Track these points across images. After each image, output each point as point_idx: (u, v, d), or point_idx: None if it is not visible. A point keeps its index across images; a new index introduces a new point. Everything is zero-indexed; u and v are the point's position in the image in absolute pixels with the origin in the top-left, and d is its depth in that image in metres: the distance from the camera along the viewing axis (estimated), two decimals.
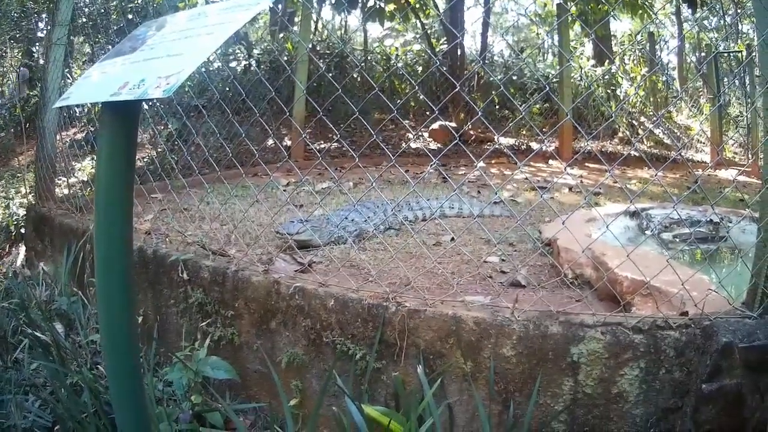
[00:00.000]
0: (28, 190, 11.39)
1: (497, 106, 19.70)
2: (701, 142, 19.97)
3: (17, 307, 6.48)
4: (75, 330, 6.16)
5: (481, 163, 13.81)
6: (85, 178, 11.76)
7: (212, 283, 5.34)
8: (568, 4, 12.93)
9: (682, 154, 18.59)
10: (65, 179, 9.97)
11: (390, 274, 5.37)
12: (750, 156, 17.00)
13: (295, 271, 5.33)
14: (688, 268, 4.67)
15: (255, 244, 6.32)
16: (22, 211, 10.98)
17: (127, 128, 3.14)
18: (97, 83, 3.31)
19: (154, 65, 3.05)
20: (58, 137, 9.37)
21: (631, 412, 3.88)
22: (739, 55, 20.28)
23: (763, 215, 4.04)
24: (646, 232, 6.88)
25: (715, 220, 6.88)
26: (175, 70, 2.86)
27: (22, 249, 9.86)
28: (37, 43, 22.73)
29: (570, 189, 10.79)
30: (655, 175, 11.39)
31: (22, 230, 10.24)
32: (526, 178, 11.75)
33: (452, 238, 6.65)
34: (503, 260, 5.91)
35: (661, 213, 7.12)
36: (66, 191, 9.54)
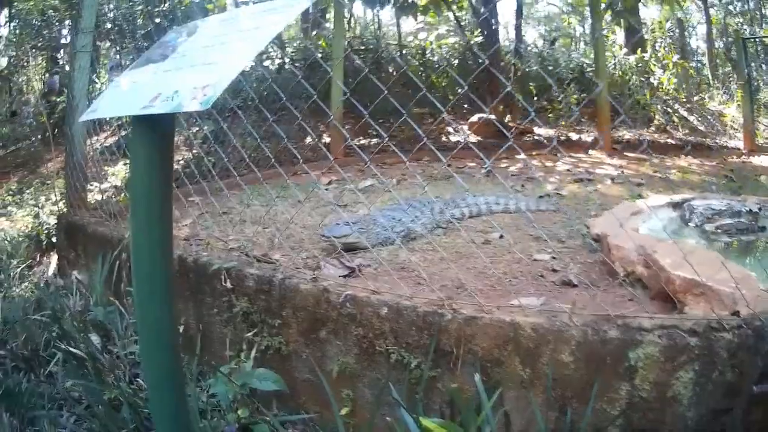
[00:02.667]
0: (58, 198, 11.39)
1: (535, 98, 19.62)
2: (734, 129, 19.85)
3: (50, 318, 6.44)
4: (112, 341, 6.10)
5: (523, 155, 13.76)
6: (118, 183, 11.78)
7: (258, 292, 5.26)
8: None
9: (717, 140, 18.54)
10: (97, 185, 10.00)
11: (441, 276, 5.30)
12: None
13: (344, 276, 5.27)
14: (739, 267, 4.58)
15: (300, 248, 6.29)
16: (52, 219, 10.94)
17: (162, 141, 3.07)
18: (127, 94, 3.22)
19: (188, 74, 2.97)
20: (88, 142, 9.36)
21: (684, 415, 3.83)
22: (766, 39, 19.99)
23: None
24: (689, 224, 6.78)
25: (753, 210, 6.75)
26: (211, 80, 2.76)
27: (54, 258, 9.82)
28: (62, 50, 22.85)
29: (612, 180, 10.66)
30: (688, 164, 11.24)
31: (53, 239, 10.21)
32: (568, 170, 11.71)
33: (501, 236, 6.61)
34: (554, 258, 5.84)
35: (703, 204, 6.95)
36: (98, 197, 9.58)
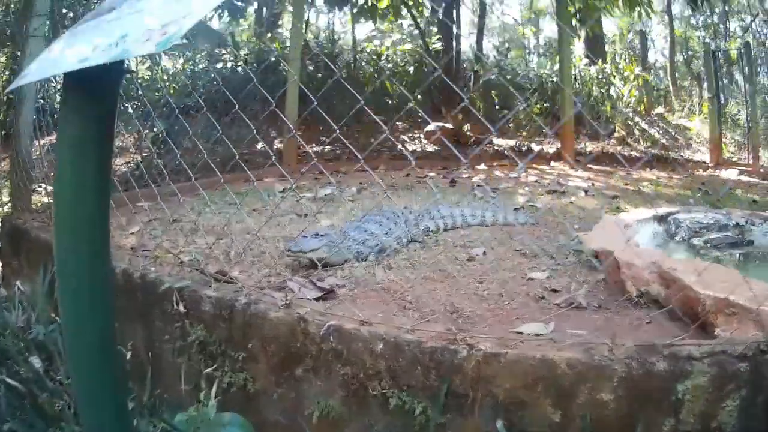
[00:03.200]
0: (6, 200, 10.82)
1: (497, 107, 19.64)
2: (698, 142, 20.19)
3: None
4: (54, 364, 5.40)
5: (483, 166, 13.64)
6: None
7: (216, 318, 4.57)
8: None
9: (681, 154, 18.88)
10: (45, 186, 9.31)
11: (429, 298, 4.75)
12: (750, 155, 17.81)
13: (317, 298, 4.62)
14: (763, 282, 4.18)
15: (260, 262, 5.77)
16: None
17: (101, 109, 2.39)
18: (63, 53, 2.48)
19: (142, 18, 2.30)
20: (36, 143, 8.86)
21: None
22: (733, 53, 20.67)
23: None
24: (675, 238, 6.72)
25: (739, 223, 6.76)
26: (172, 18, 2.16)
27: None
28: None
29: (585, 192, 10.51)
30: (656, 177, 11.36)
31: None
32: (536, 181, 11.67)
33: (484, 252, 6.19)
34: (549, 276, 5.38)
35: (688, 217, 6.90)
36: (46, 199, 8.96)
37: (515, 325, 4.13)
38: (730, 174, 14.69)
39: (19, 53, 22.04)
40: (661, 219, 6.95)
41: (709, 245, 6.48)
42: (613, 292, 4.91)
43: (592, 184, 11.57)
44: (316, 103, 4.70)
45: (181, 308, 4.70)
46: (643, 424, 3.46)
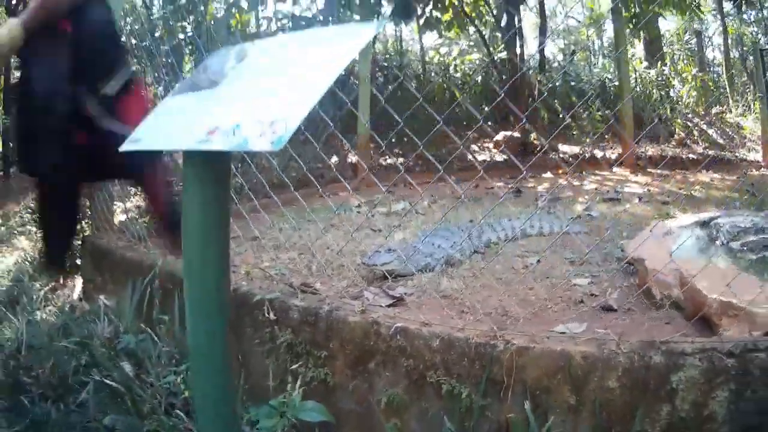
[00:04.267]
0: (80, 218, 11.44)
1: (559, 115, 19.69)
2: (752, 141, 19.88)
3: (78, 344, 6.38)
4: (144, 370, 5.94)
5: (549, 174, 13.77)
6: (141, 202, 11.82)
7: (302, 323, 5.30)
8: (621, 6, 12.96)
9: (736, 154, 18.55)
10: (121, 205, 9.91)
11: (484, 303, 5.36)
12: None
13: (389, 305, 5.33)
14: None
15: (340, 275, 6.34)
16: (76, 240, 10.98)
17: (220, 177, 2.93)
18: (175, 124, 3.03)
19: (248, 106, 2.72)
20: None
21: (719, 431, 3.98)
22: None
23: None
24: (716, 242, 6.56)
25: None
26: (279, 114, 2.49)
27: (78, 281, 9.72)
28: None
29: (639, 199, 10.78)
30: (710, 179, 11.30)
31: (77, 261, 10.04)
32: (596, 189, 11.91)
33: (538, 261, 6.68)
34: (591, 282, 5.94)
35: (728, 221, 6.81)
36: (122, 217, 9.57)
37: (553, 325, 4.65)
38: None
39: None
40: (703, 224, 6.84)
41: (745, 248, 6.38)
42: (642, 297, 5.33)
43: (648, 190, 11.80)
44: (402, 124, 5.18)
45: (272, 316, 5.42)
46: (643, 408, 4.01)
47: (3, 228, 13.94)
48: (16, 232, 13.78)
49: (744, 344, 3.98)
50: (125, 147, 3.07)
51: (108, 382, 5.57)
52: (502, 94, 5.67)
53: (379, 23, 3.26)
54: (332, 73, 2.62)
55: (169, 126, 3.07)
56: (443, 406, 4.58)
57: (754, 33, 25.97)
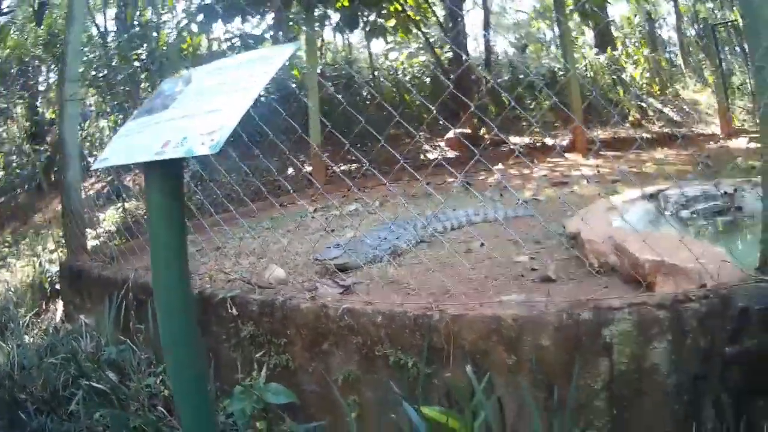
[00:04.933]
0: (55, 246, 11.61)
1: (508, 107, 19.83)
2: (709, 115, 20.06)
3: (65, 360, 6.68)
4: (127, 377, 6.30)
5: (500, 166, 13.92)
6: (112, 228, 12.05)
7: (261, 315, 5.57)
8: None
9: (693, 129, 18.74)
10: (92, 230, 10.21)
11: (429, 284, 5.58)
12: (757, 123, 17.19)
13: (339, 293, 5.55)
14: (704, 244, 4.97)
15: (296, 273, 6.59)
16: (53, 267, 11.16)
17: (175, 184, 3.31)
18: (136, 142, 3.44)
19: (193, 122, 3.19)
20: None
21: (664, 383, 4.10)
22: (735, 23, 20.25)
23: (765, 185, 4.32)
24: (665, 213, 7.04)
25: (728, 191, 7.00)
26: (215, 126, 3.00)
27: (60, 304, 10.03)
28: (39, 98, 23.01)
29: (588, 181, 10.91)
30: (664, 155, 11.45)
31: (57, 286, 10.47)
32: (545, 175, 12.02)
33: (482, 244, 6.85)
34: (532, 258, 6.11)
35: (676, 192, 7.23)
36: (93, 242, 9.84)
37: (494, 299, 4.79)
38: (739, 143, 14.71)
39: (36, 104, 22.89)
40: (651, 196, 7.27)
41: (695, 216, 6.94)
42: (582, 267, 5.50)
43: (598, 171, 11.93)
44: (347, 141, 5.34)
45: (234, 311, 5.71)
46: (579, 363, 4.20)
47: None
48: None
49: (674, 296, 4.14)
50: (96, 165, 3.65)
51: (95, 385, 5.97)
52: (451, 87, 5.74)
53: (296, 44, 3.64)
54: (257, 88, 3.21)
55: (130, 144, 3.52)
56: (393, 376, 4.81)
57: (709, 9, 26.08)
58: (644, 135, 17.89)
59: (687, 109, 21.24)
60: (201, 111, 3.28)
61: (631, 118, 20.19)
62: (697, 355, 4.06)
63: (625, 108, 20.48)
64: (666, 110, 21.00)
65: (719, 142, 15.94)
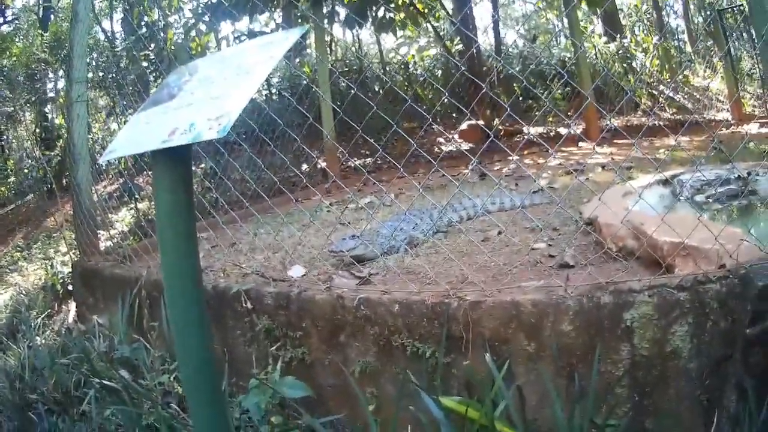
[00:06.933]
0: (67, 248, 11.60)
1: (520, 98, 19.76)
2: (720, 101, 19.95)
3: (77, 361, 6.66)
4: (140, 375, 6.28)
5: (515, 156, 13.82)
6: (125, 229, 12.02)
7: (277, 308, 5.52)
8: None
9: (705, 115, 18.61)
10: (105, 232, 10.08)
11: (446, 273, 5.54)
12: (767, 107, 17.36)
13: (356, 284, 5.48)
14: (721, 225, 4.88)
15: (311, 266, 6.50)
16: (65, 269, 11.23)
17: (184, 172, 3.22)
18: (143, 132, 3.36)
19: (200, 109, 3.11)
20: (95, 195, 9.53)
21: (686, 367, 4.05)
22: (742, 8, 20.12)
23: None
24: (680, 197, 6.99)
25: (742, 175, 6.95)
26: (223, 110, 2.92)
27: (72, 305, 10.04)
28: (49, 104, 23.01)
29: (603, 168, 10.85)
30: (677, 141, 11.33)
31: (69, 287, 10.51)
32: (560, 164, 11.88)
33: (499, 232, 6.81)
34: (550, 245, 6.07)
35: (690, 176, 7.16)
36: (107, 244, 9.69)
37: (512, 285, 4.75)
38: (751, 128, 14.57)
39: (45, 110, 22.86)
40: (665, 182, 7.28)
41: (710, 200, 6.83)
42: (600, 252, 5.37)
43: (612, 159, 11.78)
44: (360, 131, 5.39)
45: (249, 305, 5.68)
46: (600, 348, 4.16)
47: None
48: (7, 270, 14.10)
49: (694, 277, 4.09)
50: (104, 158, 3.55)
51: (107, 383, 5.91)
52: (463, 69, 5.70)
53: (301, 28, 3.54)
54: (264, 72, 3.12)
55: (137, 135, 3.42)
56: (411, 366, 4.77)
57: None
58: (658, 123, 17.75)
59: (698, 96, 21.11)
60: (207, 97, 3.21)
61: (642, 106, 20.07)
62: (718, 338, 4.00)
63: (636, 96, 20.35)
64: (677, 97, 20.87)
65: (731, 128, 15.76)
